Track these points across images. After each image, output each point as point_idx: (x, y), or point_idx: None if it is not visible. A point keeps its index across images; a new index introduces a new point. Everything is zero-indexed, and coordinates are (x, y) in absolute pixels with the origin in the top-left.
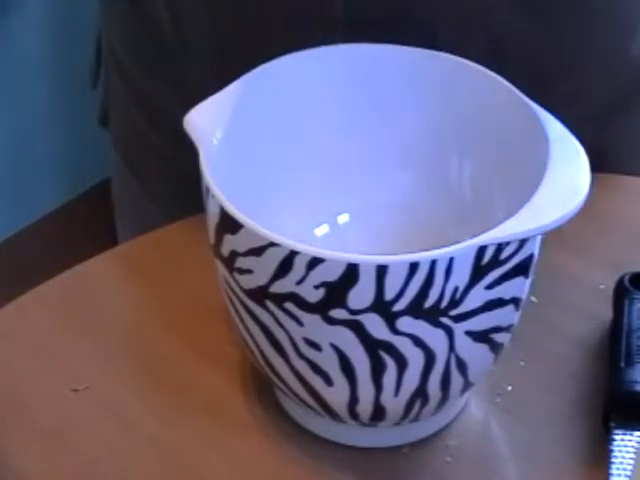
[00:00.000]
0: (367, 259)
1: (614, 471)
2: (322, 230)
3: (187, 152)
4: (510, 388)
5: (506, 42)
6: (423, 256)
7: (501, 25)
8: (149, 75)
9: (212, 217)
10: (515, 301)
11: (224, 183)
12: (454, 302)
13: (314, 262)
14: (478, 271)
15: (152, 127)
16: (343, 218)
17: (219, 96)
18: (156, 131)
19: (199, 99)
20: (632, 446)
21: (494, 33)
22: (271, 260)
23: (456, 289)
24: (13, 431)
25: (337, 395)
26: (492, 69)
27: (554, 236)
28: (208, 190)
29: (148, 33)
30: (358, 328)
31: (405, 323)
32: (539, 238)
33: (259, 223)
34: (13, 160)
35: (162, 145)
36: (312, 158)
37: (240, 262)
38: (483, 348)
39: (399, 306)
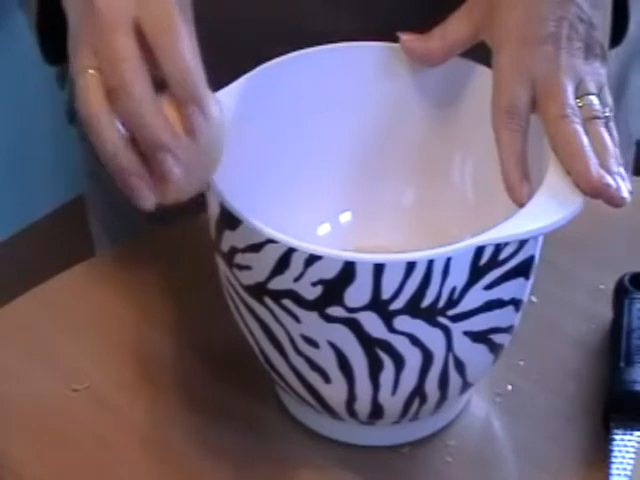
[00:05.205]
0: (364, 257)
1: (614, 471)
2: (324, 229)
3: None
4: (510, 388)
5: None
6: (420, 256)
7: None
8: None
9: (212, 213)
10: (515, 302)
11: (225, 181)
12: (452, 302)
13: (311, 259)
14: (476, 271)
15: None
16: (345, 217)
17: (219, 96)
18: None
19: None
20: (632, 446)
21: None
22: (269, 257)
23: (454, 289)
24: (13, 431)
25: (335, 392)
26: None
27: (554, 236)
28: (209, 186)
29: None
30: (355, 326)
31: (402, 322)
32: (540, 239)
33: (261, 221)
34: (13, 160)
35: None
36: (313, 157)
37: (239, 258)
38: (482, 349)
39: (396, 305)
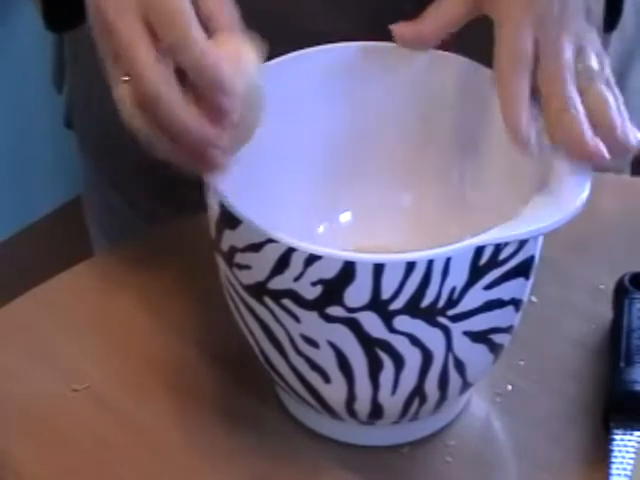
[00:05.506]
0: (363, 257)
1: (614, 471)
2: (324, 229)
3: None
4: (510, 388)
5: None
6: (420, 255)
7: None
8: None
9: (212, 212)
10: (515, 302)
11: (225, 181)
12: (451, 302)
13: (311, 259)
14: (476, 271)
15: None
16: (345, 217)
17: None
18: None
19: None
20: (632, 446)
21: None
22: (269, 256)
23: (453, 289)
24: (13, 431)
25: (335, 392)
26: None
27: (554, 236)
28: (209, 186)
29: None
30: (355, 326)
31: (402, 322)
32: (540, 239)
33: (262, 220)
34: (13, 160)
35: (134, 146)
36: (313, 157)
37: (239, 257)
38: (482, 349)
39: (396, 305)
